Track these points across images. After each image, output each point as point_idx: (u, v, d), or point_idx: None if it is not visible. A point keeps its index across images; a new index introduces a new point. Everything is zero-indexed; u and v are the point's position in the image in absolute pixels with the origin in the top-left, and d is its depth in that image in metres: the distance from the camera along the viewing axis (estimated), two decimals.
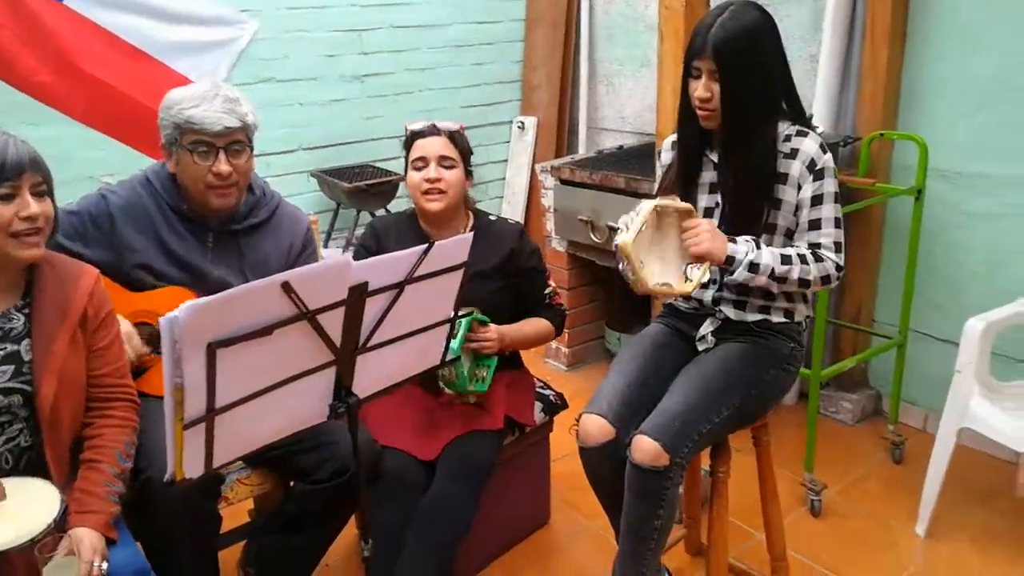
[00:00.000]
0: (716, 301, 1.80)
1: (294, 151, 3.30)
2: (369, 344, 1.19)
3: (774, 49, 1.66)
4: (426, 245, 1.18)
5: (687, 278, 1.67)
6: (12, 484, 1.39)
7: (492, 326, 1.92)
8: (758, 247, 1.65)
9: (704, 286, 1.77)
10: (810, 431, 2.37)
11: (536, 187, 3.62)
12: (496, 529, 2.18)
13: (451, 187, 1.93)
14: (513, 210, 3.95)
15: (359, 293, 1.12)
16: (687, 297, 1.79)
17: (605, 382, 1.82)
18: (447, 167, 1.93)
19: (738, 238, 1.65)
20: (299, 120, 3.28)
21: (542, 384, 2.29)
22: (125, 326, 1.70)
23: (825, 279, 1.68)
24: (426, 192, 1.93)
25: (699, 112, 1.68)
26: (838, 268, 1.69)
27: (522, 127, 3.90)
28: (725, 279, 1.71)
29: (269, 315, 1.02)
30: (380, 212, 3.25)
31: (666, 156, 1.90)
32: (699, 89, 1.65)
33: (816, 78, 2.66)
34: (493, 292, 2.00)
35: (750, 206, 1.69)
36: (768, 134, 1.67)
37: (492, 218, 2.09)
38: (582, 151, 3.71)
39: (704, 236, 1.61)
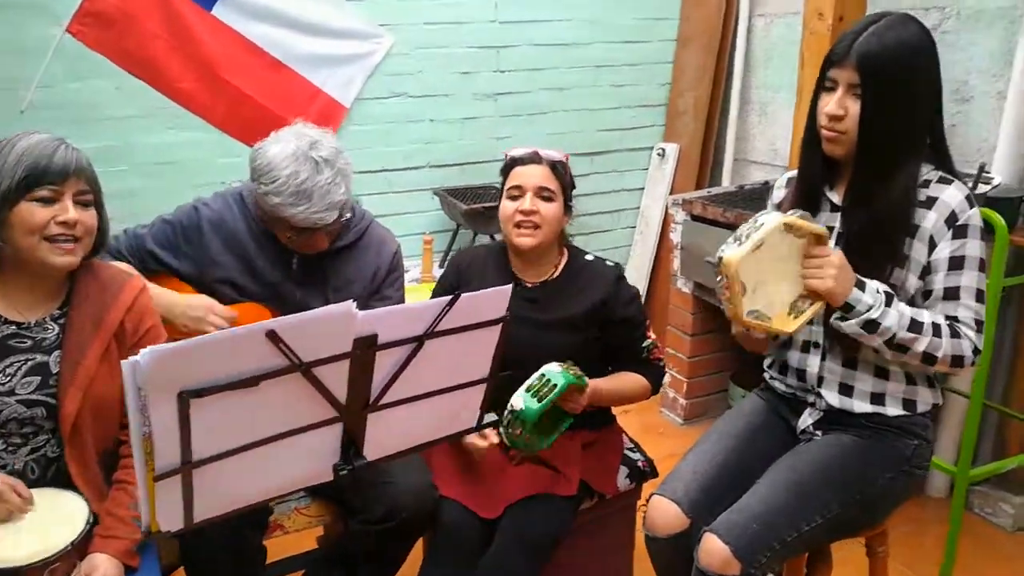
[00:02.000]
0: (820, 380, 1.51)
1: (421, 168, 3.27)
2: (381, 402, 1.05)
3: (930, 75, 1.36)
4: (451, 296, 1.02)
5: (793, 314, 1.38)
6: (45, 495, 1.37)
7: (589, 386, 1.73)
8: (888, 303, 1.36)
9: (806, 351, 1.49)
10: (951, 536, 1.99)
11: (669, 220, 3.38)
12: None
13: (546, 222, 1.76)
14: (645, 242, 3.72)
15: (367, 346, 0.99)
16: (780, 336, 1.48)
17: (685, 460, 1.58)
18: (545, 199, 1.76)
19: (868, 283, 1.36)
20: (428, 136, 3.24)
21: (631, 446, 2.06)
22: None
23: (956, 360, 1.36)
24: (518, 224, 1.77)
25: (825, 134, 1.41)
26: (975, 351, 1.36)
27: (662, 155, 3.66)
28: (831, 321, 1.42)
29: (254, 365, 0.91)
30: (500, 236, 3.14)
31: (778, 194, 1.64)
32: (831, 104, 1.37)
33: (1001, 120, 2.26)
34: (579, 344, 1.80)
35: (871, 261, 1.40)
36: (907, 175, 1.37)
37: (588, 259, 1.90)
38: (725, 184, 3.43)
39: (829, 272, 1.33)
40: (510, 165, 1.81)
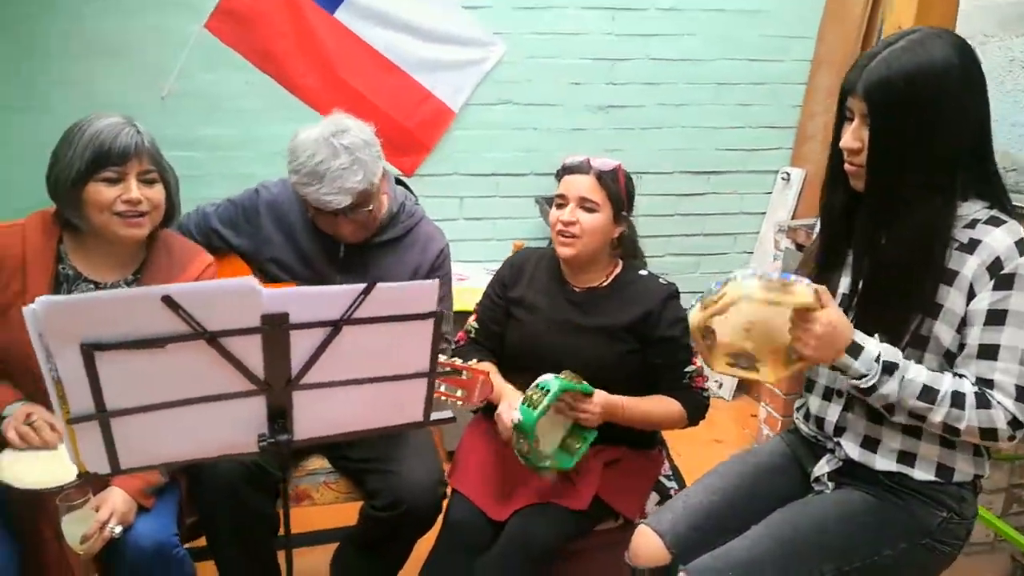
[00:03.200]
0: (839, 430, 1.36)
1: (525, 175, 3.29)
2: (304, 382, 1.08)
3: (961, 101, 1.19)
4: (366, 284, 1.03)
5: (785, 364, 1.28)
6: None
7: (598, 395, 1.68)
8: (889, 371, 1.20)
9: (827, 398, 1.35)
10: None
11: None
12: None
13: (586, 233, 1.73)
14: (762, 268, 3.51)
15: (277, 323, 1.01)
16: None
17: (681, 493, 1.49)
18: (587, 210, 1.73)
19: (868, 349, 1.21)
20: (534, 145, 3.25)
21: (669, 474, 1.96)
22: None
23: (987, 433, 1.17)
24: (560, 233, 1.76)
25: (847, 167, 1.28)
26: (1014, 423, 1.16)
27: (787, 179, 3.45)
28: (834, 383, 1.28)
29: (158, 328, 0.96)
30: None
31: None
32: (847, 136, 1.25)
33: None
34: (619, 355, 1.77)
35: (890, 311, 1.24)
36: (930, 212, 1.21)
37: (642, 274, 1.85)
38: None
39: (811, 342, 1.21)
40: (560, 173, 1.80)
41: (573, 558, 1.80)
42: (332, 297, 1.03)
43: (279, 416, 1.11)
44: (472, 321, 1.94)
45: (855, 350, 1.20)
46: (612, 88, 3.25)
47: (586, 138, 3.28)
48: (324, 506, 1.98)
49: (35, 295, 1.17)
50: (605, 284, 1.81)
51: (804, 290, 1.19)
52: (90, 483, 1.47)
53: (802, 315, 1.21)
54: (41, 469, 1.47)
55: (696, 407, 1.78)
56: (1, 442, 1.51)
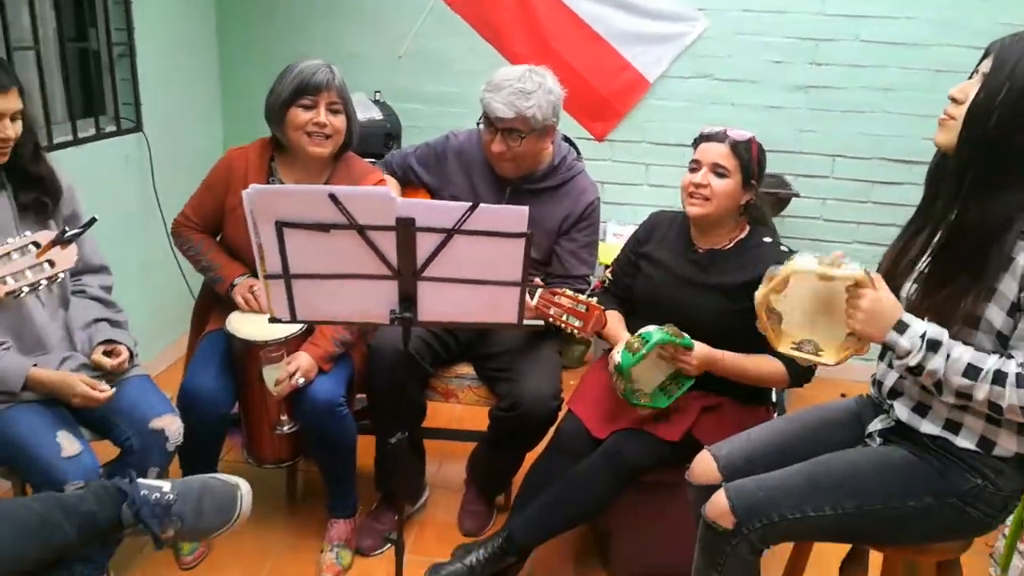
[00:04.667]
0: (894, 393, 1.46)
1: None
2: (425, 274, 1.42)
3: None
4: (471, 204, 1.34)
5: (842, 348, 1.42)
6: None
7: (697, 348, 1.87)
8: (933, 348, 1.29)
9: (890, 365, 1.46)
10: None
11: None
12: (665, 550, 2.11)
13: (715, 196, 1.92)
14: None
15: (406, 225, 1.36)
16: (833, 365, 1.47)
17: (749, 430, 1.66)
18: (718, 175, 1.91)
19: (913, 327, 1.31)
20: (727, 120, 3.28)
21: None
22: None
23: None
24: (691, 195, 1.96)
25: (940, 116, 1.37)
26: None
27: None
28: (892, 363, 1.38)
29: (325, 217, 1.35)
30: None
31: None
32: (956, 88, 1.33)
33: None
34: (729, 311, 1.94)
35: (953, 283, 1.31)
36: (1011, 199, 1.27)
37: (766, 240, 2.00)
38: None
39: (859, 315, 1.34)
40: (698, 140, 1.98)
41: (661, 490, 2.02)
42: (447, 210, 1.35)
43: (407, 299, 1.46)
44: (608, 272, 2.20)
45: (901, 327, 1.30)
46: (814, 68, 3.26)
47: (781, 116, 3.32)
48: (468, 406, 2.36)
49: None
50: (728, 246, 1.98)
51: (854, 266, 1.32)
52: (287, 344, 1.96)
53: (853, 291, 1.33)
54: (255, 328, 1.98)
55: (801, 371, 1.89)
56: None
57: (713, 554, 1.48)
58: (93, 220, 1.42)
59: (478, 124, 2.16)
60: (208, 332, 2.14)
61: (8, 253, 1.32)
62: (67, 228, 1.37)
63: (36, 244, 1.35)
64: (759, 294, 1.44)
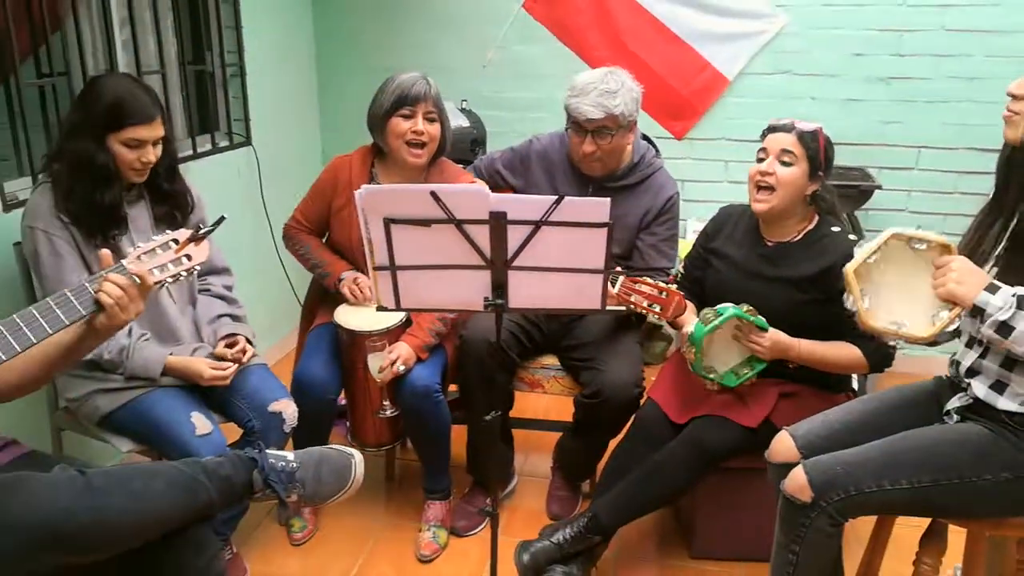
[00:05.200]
0: (972, 372, 1.50)
1: None
2: (516, 264, 1.55)
3: None
4: (557, 197, 1.47)
5: (933, 322, 1.46)
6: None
7: (769, 333, 1.94)
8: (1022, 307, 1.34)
9: (969, 345, 1.50)
10: None
11: None
12: (747, 533, 2.19)
13: (781, 184, 1.97)
14: None
15: (498, 219, 1.50)
16: (930, 344, 1.52)
17: (826, 411, 1.72)
18: (784, 163, 1.97)
19: (1003, 288, 1.36)
20: (807, 115, 3.27)
21: None
22: None
23: None
24: (757, 186, 2.02)
25: (1004, 112, 1.43)
26: None
27: None
28: (977, 333, 1.42)
29: (427, 213, 1.50)
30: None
31: None
32: (1014, 84, 1.42)
33: None
34: (800, 303, 2.00)
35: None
36: None
37: (834, 230, 2.04)
38: None
39: (950, 276, 1.39)
40: (766, 132, 2.05)
41: (741, 475, 2.08)
42: (535, 204, 1.48)
43: (499, 287, 1.60)
44: (680, 267, 2.28)
45: (993, 288, 1.35)
46: (897, 59, 3.24)
47: (863, 109, 3.31)
48: (554, 396, 2.48)
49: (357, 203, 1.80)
50: (797, 239, 2.03)
51: (940, 236, 1.38)
52: (388, 335, 2.13)
53: (941, 258, 1.39)
54: (360, 320, 2.16)
55: (878, 355, 1.93)
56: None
57: (792, 528, 1.55)
58: (223, 218, 1.61)
59: (566, 129, 2.27)
60: (316, 326, 2.34)
61: (153, 249, 1.52)
62: (201, 225, 1.56)
63: (176, 241, 1.55)
64: (847, 267, 1.49)
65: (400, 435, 2.36)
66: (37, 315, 1.34)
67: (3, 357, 1.29)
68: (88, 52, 2.39)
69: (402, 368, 2.12)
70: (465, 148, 3.18)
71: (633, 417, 2.19)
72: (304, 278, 2.53)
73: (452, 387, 2.37)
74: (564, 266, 1.56)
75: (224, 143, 3.08)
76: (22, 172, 2.23)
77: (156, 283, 1.48)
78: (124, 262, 1.44)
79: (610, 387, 2.14)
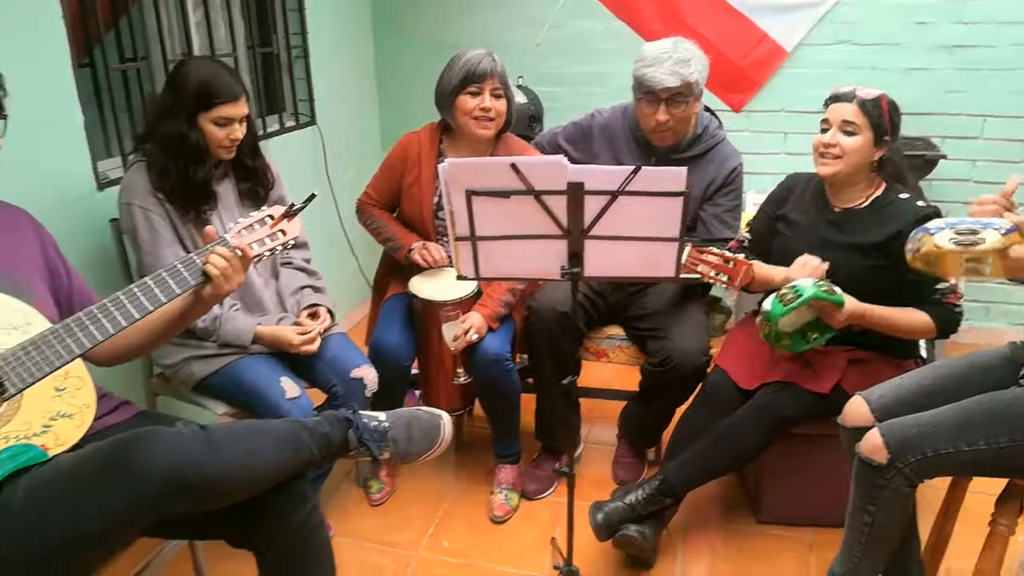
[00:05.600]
0: None
1: None
2: (592, 233, 1.61)
3: None
4: (634, 167, 1.51)
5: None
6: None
7: (848, 304, 1.94)
8: None
9: None
10: None
11: None
12: (812, 498, 2.22)
13: (845, 153, 1.99)
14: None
15: (576, 189, 1.55)
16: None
17: (899, 376, 1.75)
18: (847, 133, 1.98)
19: None
20: (868, 84, 3.32)
21: None
22: None
23: None
24: (821, 154, 2.04)
25: None
26: None
27: None
28: None
29: (506, 185, 1.56)
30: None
31: None
32: None
33: None
34: (867, 268, 2.02)
35: None
36: None
37: (903, 196, 2.05)
38: None
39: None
40: (828, 101, 2.06)
41: (810, 442, 2.12)
42: (613, 174, 1.53)
43: (575, 256, 1.65)
44: (745, 232, 2.30)
45: None
46: (961, 27, 3.18)
47: (925, 78, 3.27)
48: (617, 365, 2.54)
49: (426, 179, 1.87)
50: (864, 204, 2.04)
51: (992, 234, 1.39)
52: (461, 304, 2.21)
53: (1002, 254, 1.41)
54: (434, 290, 2.24)
55: (947, 320, 1.94)
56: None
57: (868, 489, 1.59)
58: (313, 196, 1.69)
59: (637, 99, 2.28)
60: (389, 296, 2.42)
61: (251, 224, 1.61)
62: (294, 203, 1.65)
63: (271, 216, 1.64)
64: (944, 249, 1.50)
65: (471, 402, 2.45)
66: (152, 285, 1.44)
67: (123, 323, 1.40)
68: (166, 37, 2.49)
69: (475, 337, 2.20)
70: (523, 124, 3.23)
71: (701, 384, 2.24)
72: (368, 252, 2.62)
73: (519, 357, 2.44)
74: (639, 235, 1.62)
75: (291, 123, 3.18)
76: (110, 153, 2.35)
77: (255, 256, 1.57)
78: (227, 236, 1.53)
79: (678, 355, 2.19)
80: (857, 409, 1.71)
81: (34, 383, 1.31)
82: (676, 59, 2.18)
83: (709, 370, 2.25)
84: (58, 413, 1.36)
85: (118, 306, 1.40)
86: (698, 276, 1.91)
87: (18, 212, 1.54)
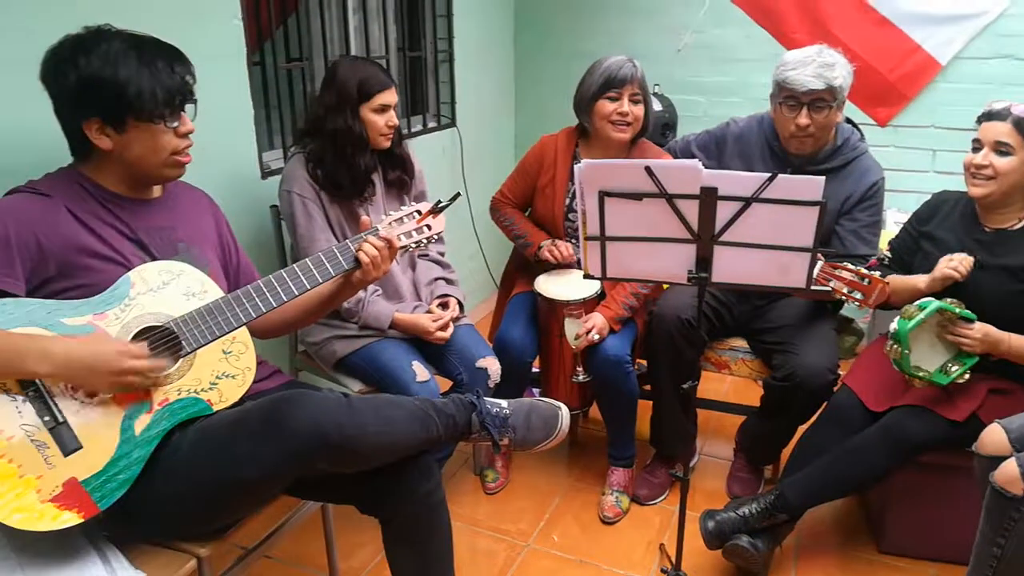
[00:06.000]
0: None
1: None
2: (722, 239, 1.62)
3: None
4: (770, 174, 1.51)
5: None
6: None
7: (978, 325, 1.88)
8: None
9: None
10: None
11: None
12: (942, 533, 2.13)
13: (998, 174, 1.91)
14: None
15: (709, 194, 1.57)
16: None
17: None
18: (1000, 153, 1.91)
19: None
20: None
21: None
22: None
23: None
24: (972, 175, 1.97)
25: None
26: None
27: None
28: None
29: (639, 187, 1.60)
30: None
31: None
32: None
33: None
34: (1009, 294, 1.94)
35: None
36: None
37: None
38: None
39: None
40: (980, 119, 1.98)
41: (941, 471, 2.03)
42: (747, 180, 1.54)
43: (703, 261, 1.67)
44: (886, 250, 2.23)
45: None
46: None
47: None
48: (738, 378, 2.51)
49: (560, 180, 1.94)
50: (1017, 226, 1.94)
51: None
52: (585, 304, 2.26)
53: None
54: (559, 290, 2.31)
55: None
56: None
57: (1000, 521, 1.52)
58: (458, 195, 1.79)
59: (778, 104, 2.25)
60: (516, 294, 2.51)
61: (401, 218, 1.73)
62: (441, 200, 1.76)
63: (419, 212, 1.75)
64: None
65: (588, 403, 2.50)
66: (311, 266, 1.58)
67: (284, 299, 1.55)
68: (328, 40, 2.69)
69: (596, 337, 2.24)
70: (657, 133, 3.24)
71: (826, 403, 2.18)
72: (495, 251, 2.72)
73: (638, 363, 2.46)
74: (770, 243, 1.61)
75: (432, 124, 3.34)
76: (272, 145, 2.57)
77: (401, 247, 1.69)
78: (379, 227, 1.66)
79: (804, 371, 2.15)
80: (995, 437, 1.64)
81: (206, 344, 1.48)
82: (820, 63, 2.14)
83: (836, 388, 2.19)
84: (223, 373, 1.52)
85: (281, 283, 1.55)
86: (829, 290, 1.88)
87: (199, 193, 1.73)
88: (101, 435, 1.39)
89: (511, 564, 2.21)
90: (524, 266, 2.56)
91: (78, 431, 1.37)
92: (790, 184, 1.52)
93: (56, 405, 1.37)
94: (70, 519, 1.33)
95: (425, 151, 3.22)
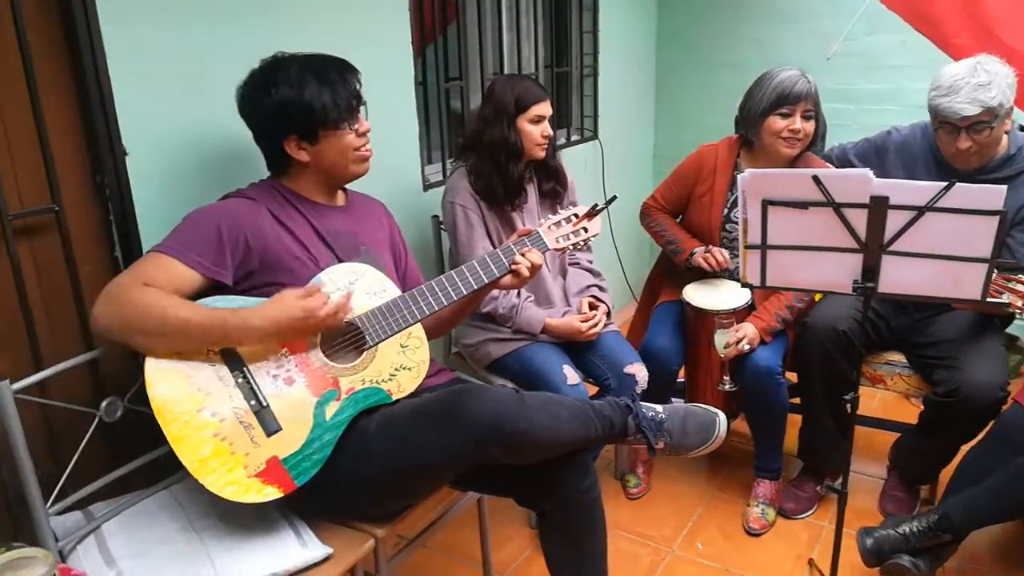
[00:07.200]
0: None
1: None
2: (892, 248, 1.59)
3: None
4: (948, 182, 1.48)
5: None
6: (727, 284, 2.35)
7: None
8: None
9: None
10: None
11: None
12: None
13: None
14: None
15: (880, 203, 1.55)
16: None
17: None
18: None
19: None
20: None
21: None
22: None
23: None
24: None
25: None
26: None
27: None
28: None
29: (804, 196, 1.60)
30: None
31: None
32: None
33: None
34: None
35: None
36: None
37: None
38: None
39: None
40: None
41: None
42: (921, 189, 1.51)
43: (869, 271, 1.65)
44: None
45: None
46: None
47: None
48: (895, 393, 2.43)
49: (719, 190, 1.97)
50: None
51: None
52: (735, 314, 2.26)
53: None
54: (707, 299, 2.32)
55: None
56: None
57: None
58: (615, 197, 1.85)
59: (935, 130, 2.19)
60: (662, 302, 2.54)
61: (559, 221, 1.81)
62: (597, 204, 1.83)
63: (575, 215, 1.83)
64: None
65: (733, 415, 2.48)
66: (477, 268, 1.69)
67: (454, 297, 1.67)
68: (485, 58, 2.82)
69: (747, 347, 2.24)
70: None
71: (994, 422, 2.08)
72: (633, 261, 2.74)
73: (789, 375, 2.43)
74: (943, 253, 1.57)
75: (576, 137, 3.42)
76: (431, 160, 2.72)
77: (559, 249, 1.77)
78: (539, 231, 1.75)
79: (970, 387, 2.06)
80: None
81: (387, 338, 1.61)
82: (974, 84, 2.04)
83: (1005, 407, 2.09)
84: (401, 366, 1.64)
85: (451, 283, 1.67)
86: (1006, 303, 1.79)
87: (377, 203, 1.89)
88: (297, 419, 1.54)
89: (656, 568, 2.24)
90: (671, 274, 2.58)
91: (278, 414, 1.53)
92: (968, 193, 1.49)
93: (260, 391, 1.53)
94: (272, 493, 1.48)
95: (569, 163, 3.27)
